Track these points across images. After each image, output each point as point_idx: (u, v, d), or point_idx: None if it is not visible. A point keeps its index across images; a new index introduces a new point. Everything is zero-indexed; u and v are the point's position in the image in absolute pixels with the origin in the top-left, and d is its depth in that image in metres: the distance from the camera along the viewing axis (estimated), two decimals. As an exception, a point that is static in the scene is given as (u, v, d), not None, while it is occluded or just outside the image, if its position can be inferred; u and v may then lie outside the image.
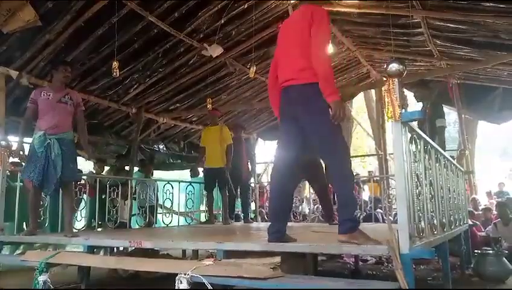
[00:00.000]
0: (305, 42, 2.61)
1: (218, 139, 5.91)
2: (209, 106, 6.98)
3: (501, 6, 5.16)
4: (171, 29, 5.85)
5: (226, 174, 5.90)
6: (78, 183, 4.90)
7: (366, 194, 8.80)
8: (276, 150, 2.97)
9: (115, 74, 5.12)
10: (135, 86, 7.02)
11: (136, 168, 7.75)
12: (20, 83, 5.38)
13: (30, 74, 5.48)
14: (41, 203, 4.24)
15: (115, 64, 5.07)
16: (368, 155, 16.77)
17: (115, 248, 4.65)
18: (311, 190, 7.89)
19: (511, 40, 5.97)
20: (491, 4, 5.20)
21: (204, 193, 6.50)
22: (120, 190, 5.37)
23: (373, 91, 11.22)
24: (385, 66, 2.47)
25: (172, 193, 5.96)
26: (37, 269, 3.01)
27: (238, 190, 6.55)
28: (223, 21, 6.17)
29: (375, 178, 9.11)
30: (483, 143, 17.07)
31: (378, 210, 7.05)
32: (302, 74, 2.63)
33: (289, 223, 4.48)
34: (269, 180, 5.01)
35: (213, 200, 6.29)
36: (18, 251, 4.95)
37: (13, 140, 5.24)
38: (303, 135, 2.68)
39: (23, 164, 3.98)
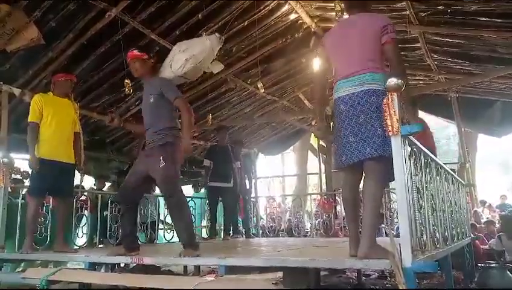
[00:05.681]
0: None
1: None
2: (210, 121, 7.01)
3: (498, 21, 5.24)
4: (172, 46, 5.90)
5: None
6: (80, 199, 4.89)
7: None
8: None
9: (127, 91, 5.20)
10: (137, 102, 7.07)
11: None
12: (23, 101, 5.42)
13: (33, 92, 5.53)
14: (42, 219, 4.23)
15: (127, 82, 5.13)
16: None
17: (116, 265, 4.62)
18: (313, 204, 7.89)
19: (509, 54, 6.04)
20: (488, 19, 5.28)
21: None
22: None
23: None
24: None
25: (173, 209, 5.91)
26: (38, 286, 2.99)
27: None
28: (223, 38, 6.24)
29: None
30: (483, 156, 17.04)
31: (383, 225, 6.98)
32: None
33: (291, 238, 4.46)
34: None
35: None
36: (19, 269, 4.91)
37: (15, 157, 5.28)
38: None
39: (25, 181, 3.96)
